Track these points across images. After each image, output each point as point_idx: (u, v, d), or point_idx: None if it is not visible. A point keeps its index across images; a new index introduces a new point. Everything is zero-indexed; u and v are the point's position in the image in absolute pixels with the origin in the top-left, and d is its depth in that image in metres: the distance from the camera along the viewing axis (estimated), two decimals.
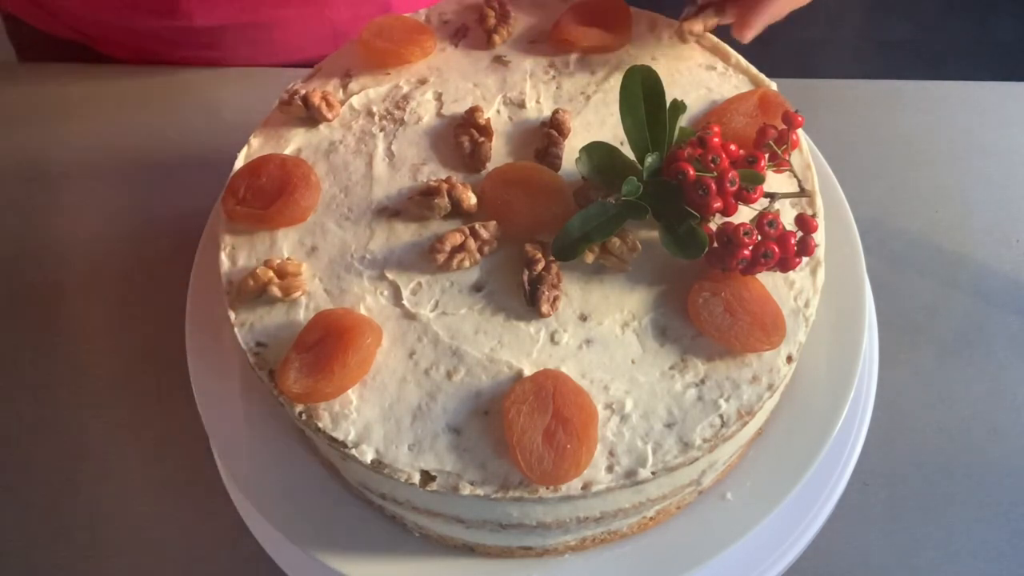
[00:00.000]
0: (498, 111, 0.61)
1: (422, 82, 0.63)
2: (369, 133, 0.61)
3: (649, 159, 0.53)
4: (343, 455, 0.50)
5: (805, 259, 0.53)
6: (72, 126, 0.85)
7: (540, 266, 0.52)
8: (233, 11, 0.83)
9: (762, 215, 0.51)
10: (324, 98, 0.61)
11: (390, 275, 0.54)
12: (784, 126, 0.54)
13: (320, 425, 0.50)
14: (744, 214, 0.52)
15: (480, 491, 0.48)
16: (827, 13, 1.86)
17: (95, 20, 0.86)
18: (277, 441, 0.58)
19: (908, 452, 0.66)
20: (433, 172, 0.58)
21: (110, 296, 0.75)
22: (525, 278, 0.52)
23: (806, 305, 0.53)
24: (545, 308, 0.52)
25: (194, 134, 0.83)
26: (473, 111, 0.59)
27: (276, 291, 0.53)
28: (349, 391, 0.50)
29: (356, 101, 0.62)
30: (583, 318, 0.52)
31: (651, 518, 0.56)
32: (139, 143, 0.83)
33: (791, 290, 0.53)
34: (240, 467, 0.58)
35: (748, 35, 0.59)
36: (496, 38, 0.64)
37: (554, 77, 0.62)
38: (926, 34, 1.85)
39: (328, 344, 0.50)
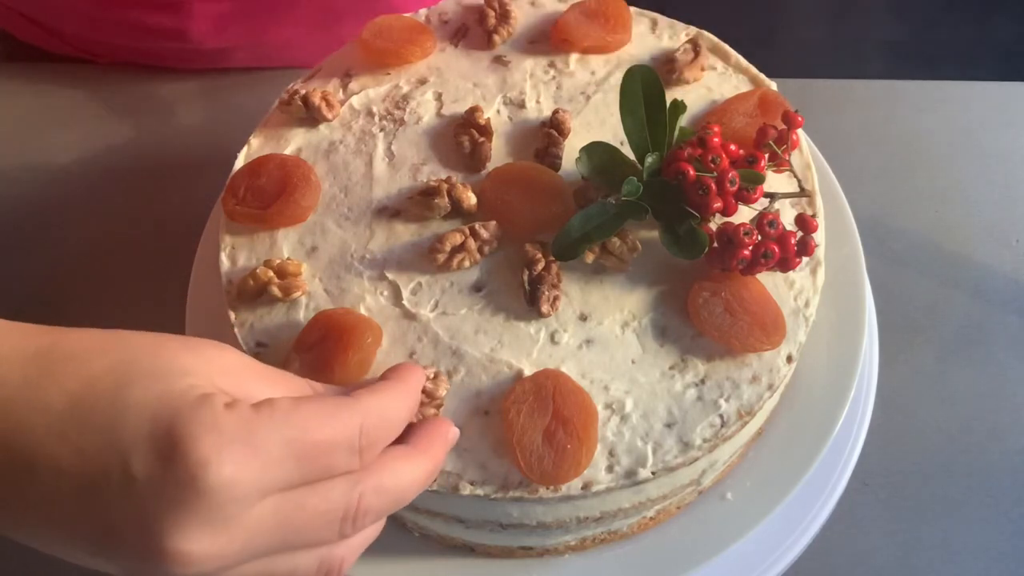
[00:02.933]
0: (498, 111, 0.61)
1: (422, 82, 0.63)
2: (369, 133, 0.61)
3: (649, 159, 0.53)
4: None
5: (805, 259, 0.53)
6: (72, 127, 0.84)
7: (540, 266, 0.52)
8: (243, 33, 0.83)
9: (762, 215, 0.51)
10: (324, 98, 0.61)
11: (390, 275, 0.54)
12: (784, 126, 0.54)
13: None
14: (744, 214, 0.52)
15: (480, 491, 0.48)
16: (827, 13, 1.86)
17: (99, 41, 0.86)
18: None
19: (908, 452, 0.66)
20: (433, 172, 0.58)
21: (110, 296, 0.75)
22: (525, 278, 0.52)
23: (806, 305, 0.53)
24: (545, 308, 0.52)
25: (194, 134, 0.83)
26: (473, 111, 0.59)
27: (276, 291, 0.53)
28: None
29: (356, 101, 0.62)
30: (583, 318, 0.52)
31: (651, 518, 0.56)
32: (139, 143, 0.83)
33: (791, 290, 0.54)
34: None
35: None
36: (496, 38, 0.64)
37: (554, 77, 0.62)
38: (926, 34, 1.85)
39: (328, 344, 0.50)
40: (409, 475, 0.40)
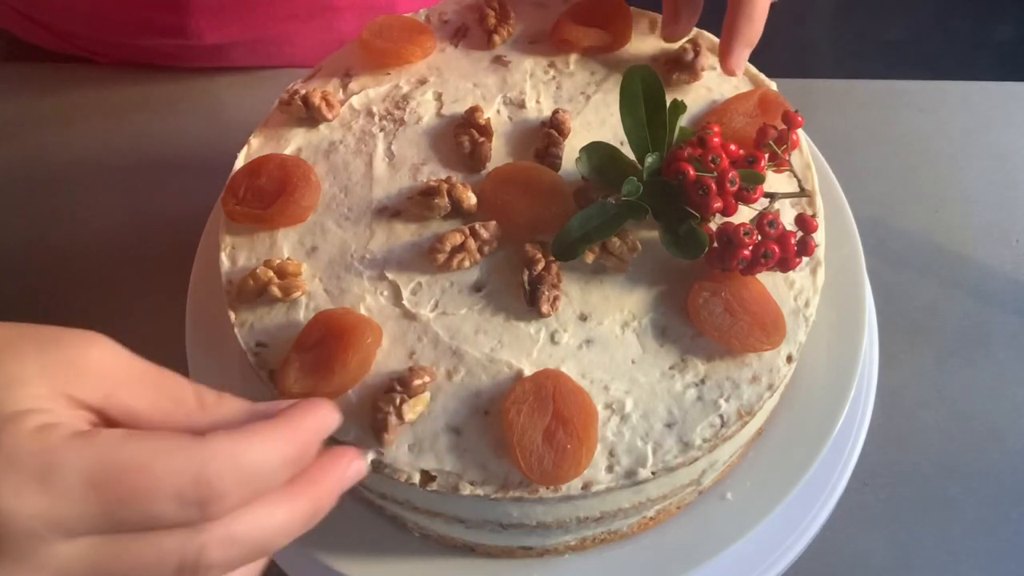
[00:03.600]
0: (498, 111, 0.61)
1: (422, 82, 0.63)
2: (369, 133, 0.61)
3: (649, 159, 0.53)
4: None
5: (805, 259, 0.53)
6: (72, 127, 0.85)
7: (540, 266, 0.52)
8: (243, 28, 0.83)
9: (762, 215, 0.51)
10: (324, 98, 0.61)
11: (390, 275, 0.54)
12: (784, 126, 0.54)
13: None
14: (744, 214, 0.52)
15: (480, 491, 0.48)
16: (827, 13, 1.86)
17: (99, 39, 0.86)
18: None
19: (908, 452, 0.66)
20: (433, 172, 0.58)
21: (110, 296, 0.75)
22: (525, 278, 0.52)
23: (806, 305, 0.53)
24: (545, 308, 0.52)
25: (194, 134, 0.83)
26: (473, 111, 0.59)
27: (276, 291, 0.53)
28: (349, 391, 0.50)
29: (356, 101, 0.62)
30: (583, 318, 0.52)
31: (651, 518, 0.56)
32: (139, 144, 0.83)
33: (791, 290, 0.54)
34: None
35: (733, 64, 0.58)
36: (496, 38, 0.64)
37: (554, 77, 0.62)
38: (926, 34, 1.85)
39: (328, 344, 0.50)
40: (273, 521, 0.34)
